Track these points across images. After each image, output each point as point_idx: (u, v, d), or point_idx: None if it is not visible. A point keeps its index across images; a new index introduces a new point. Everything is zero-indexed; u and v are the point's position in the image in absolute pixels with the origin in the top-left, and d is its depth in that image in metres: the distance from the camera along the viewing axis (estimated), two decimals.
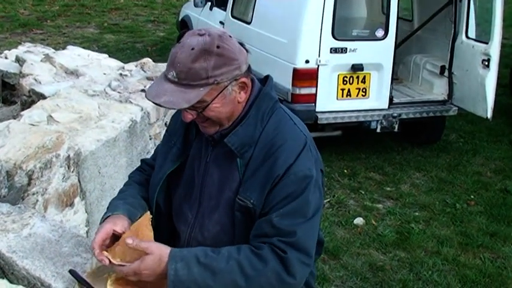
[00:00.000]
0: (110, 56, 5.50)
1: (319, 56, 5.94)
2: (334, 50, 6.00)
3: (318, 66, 5.97)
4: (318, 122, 6.07)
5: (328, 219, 5.31)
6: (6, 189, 2.85)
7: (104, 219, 2.05)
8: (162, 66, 4.82)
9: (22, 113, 3.69)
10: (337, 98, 6.19)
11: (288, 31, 6.17)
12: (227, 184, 1.95)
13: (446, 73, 6.75)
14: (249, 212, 1.90)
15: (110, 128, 3.72)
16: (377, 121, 6.34)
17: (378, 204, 5.77)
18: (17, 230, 2.42)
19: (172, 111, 3.88)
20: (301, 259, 1.87)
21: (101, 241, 1.95)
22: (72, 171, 3.32)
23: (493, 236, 5.24)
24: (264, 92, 1.96)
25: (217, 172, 1.98)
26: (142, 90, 4.30)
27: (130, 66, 4.96)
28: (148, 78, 4.63)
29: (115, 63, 5.15)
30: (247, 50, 1.90)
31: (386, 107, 6.40)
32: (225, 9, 7.65)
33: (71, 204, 3.37)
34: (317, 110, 6.06)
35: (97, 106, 3.95)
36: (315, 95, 6.04)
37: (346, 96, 6.22)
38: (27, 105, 4.27)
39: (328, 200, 5.66)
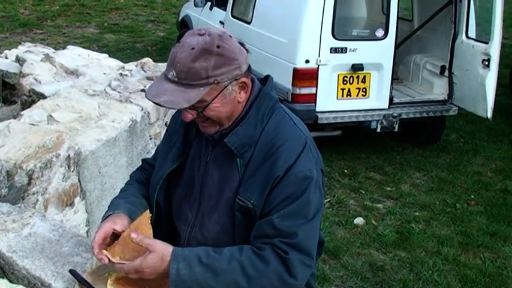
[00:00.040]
0: (110, 56, 5.50)
1: (319, 55, 5.94)
2: (334, 50, 6.00)
3: (318, 66, 5.97)
4: (318, 121, 6.07)
5: (328, 219, 5.31)
6: (6, 189, 2.85)
7: (104, 218, 2.05)
8: (162, 66, 4.82)
9: (22, 112, 3.69)
10: (337, 98, 6.19)
11: (288, 31, 6.17)
12: (227, 184, 1.95)
13: (446, 73, 6.74)
14: (249, 212, 1.90)
15: (110, 127, 3.72)
16: (377, 121, 6.34)
17: (378, 204, 5.77)
18: (17, 230, 2.42)
19: (173, 111, 3.88)
20: (303, 260, 1.87)
21: (101, 240, 1.95)
22: (73, 171, 3.32)
23: (493, 236, 5.24)
24: (264, 92, 1.96)
25: (217, 172, 1.98)
26: (143, 90, 4.30)
27: (131, 66, 4.97)
28: (148, 78, 4.63)
29: (115, 63, 5.15)
30: (247, 50, 1.90)
31: (387, 106, 6.40)
32: (225, 9, 7.65)
33: (71, 204, 3.37)
34: (317, 109, 6.06)
35: (97, 106, 3.95)
36: (315, 94, 6.04)
37: (346, 96, 6.22)
38: (27, 105, 4.27)
39: (329, 199, 5.66)
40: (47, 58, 4.94)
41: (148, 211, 2.02)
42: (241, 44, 1.89)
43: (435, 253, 4.94)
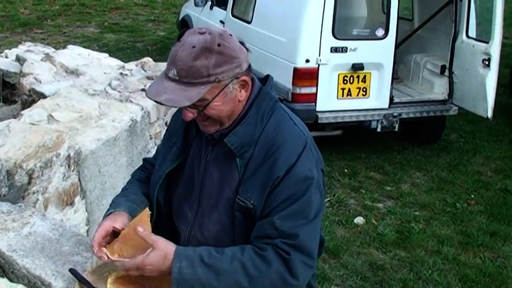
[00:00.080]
0: (110, 56, 5.50)
1: (319, 55, 5.94)
2: (334, 50, 6.00)
3: (318, 65, 5.96)
4: (318, 121, 6.06)
5: (328, 218, 5.31)
6: (6, 188, 2.85)
7: (105, 217, 2.05)
8: (163, 66, 4.82)
9: (22, 112, 3.70)
10: (337, 98, 6.19)
11: (288, 30, 6.17)
12: (227, 184, 1.95)
13: (446, 72, 6.74)
14: (249, 212, 1.90)
15: (110, 127, 3.72)
16: (377, 120, 6.34)
17: (378, 204, 5.77)
18: (17, 229, 2.42)
19: (173, 111, 3.88)
20: (304, 261, 1.87)
21: (100, 238, 1.95)
22: (73, 171, 3.32)
23: (493, 236, 5.24)
24: (264, 92, 1.96)
25: (217, 171, 1.98)
26: (143, 90, 4.30)
27: (131, 65, 4.97)
28: (148, 78, 4.63)
29: (115, 62, 5.16)
30: (247, 49, 1.90)
31: (387, 106, 6.40)
32: (225, 9, 7.65)
33: (71, 203, 3.37)
34: (317, 109, 6.06)
35: (97, 105, 3.95)
36: (315, 94, 6.04)
37: (347, 95, 6.22)
38: (27, 104, 4.28)
39: (329, 199, 5.66)
40: (47, 57, 4.94)
41: (147, 209, 2.02)
42: (242, 43, 1.89)
43: (435, 252, 4.94)
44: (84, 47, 6.11)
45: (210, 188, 1.99)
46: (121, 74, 4.69)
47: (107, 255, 1.91)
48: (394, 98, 6.47)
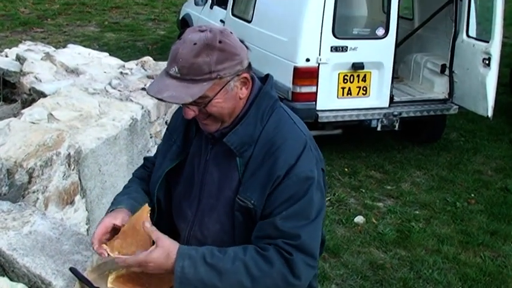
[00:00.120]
0: (110, 55, 5.50)
1: (319, 54, 5.94)
2: (334, 49, 6.00)
3: (319, 64, 5.97)
4: (319, 120, 6.07)
5: (328, 217, 5.31)
6: (6, 187, 2.85)
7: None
8: (163, 65, 4.82)
9: (23, 111, 3.70)
10: (337, 97, 6.19)
11: (288, 29, 6.17)
12: (227, 183, 1.95)
13: (447, 72, 6.74)
14: (249, 212, 1.90)
15: (111, 126, 3.72)
16: (377, 120, 6.34)
17: (378, 203, 5.78)
18: (18, 228, 2.42)
19: (173, 110, 3.87)
20: (306, 261, 1.87)
21: (100, 235, 1.96)
22: (73, 169, 3.32)
23: (493, 235, 5.24)
24: (263, 91, 1.96)
25: (217, 171, 1.98)
26: (143, 89, 4.30)
27: (131, 64, 4.97)
28: (148, 77, 4.63)
29: (115, 61, 5.16)
30: (247, 47, 1.90)
31: (387, 105, 6.40)
32: (225, 8, 7.65)
33: (72, 202, 3.37)
34: (317, 108, 6.06)
35: (97, 104, 3.95)
36: (316, 93, 6.04)
37: (347, 94, 6.22)
38: (27, 103, 4.28)
39: (329, 198, 5.66)
40: (48, 57, 4.94)
41: (147, 205, 2.01)
42: (241, 41, 1.89)
43: (435, 252, 4.94)
44: (84, 46, 6.11)
45: (209, 187, 1.99)
46: (121, 73, 4.69)
47: (107, 252, 1.91)
48: (394, 97, 6.47)
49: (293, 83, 5.99)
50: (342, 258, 4.76)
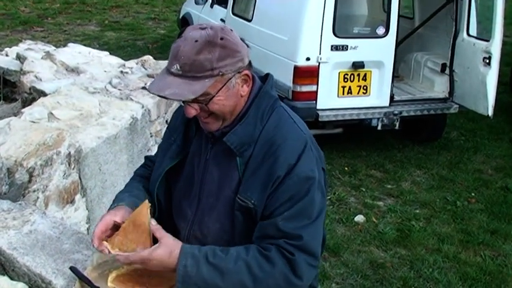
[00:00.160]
0: (110, 54, 5.50)
1: (320, 53, 5.94)
2: (335, 48, 5.99)
3: (319, 63, 5.96)
4: (319, 119, 6.07)
5: (328, 216, 5.31)
6: (7, 186, 2.85)
7: None
8: (163, 64, 4.82)
9: (23, 110, 3.70)
10: (338, 96, 6.18)
11: (288, 28, 6.17)
12: (226, 182, 1.94)
13: (447, 71, 6.74)
14: (249, 212, 1.90)
15: (111, 125, 3.72)
16: (378, 119, 6.34)
17: (378, 202, 5.78)
18: (18, 227, 2.43)
19: (173, 109, 3.87)
20: (308, 261, 1.87)
21: (100, 232, 1.95)
22: (73, 168, 3.32)
23: (493, 234, 5.24)
24: (263, 91, 1.95)
25: (217, 170, 1.97)
26: (143, 88, 4.30)
27: (131, 63, 4.97)
28: (149, 76, 4.63)
29: (116, 60, 5.16)
30: (247, 45, 1.90)
31: (387, 104, 6.40)
32: (225, 7, 7.65)
33: (72, 201, 3.37)
34: (318, 107, 6.06)
35: (98, 103, 3.95)
36: (316, 92, 6.04)
37: (347, 93, 6.21)
38: (27, 102, 4.28)
39: (329, 197, 5.66)
40: (48, 56, 4.94)
41: (147, 201, 2.01)
42: (242, 39, 1.89)
43: (435, 251, 4.94)
44: (84, 45, 6.12)
45: (209, 186, 1.99)
46: (121, 72, 4.69)
47: (108, 249, 1.91)
48: (394, 96, 6.47)
49: (293, 82, 5.99)
50: (342, 257, 4.76)
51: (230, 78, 1.83)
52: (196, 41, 1.77)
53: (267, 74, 2.02)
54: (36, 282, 2.16)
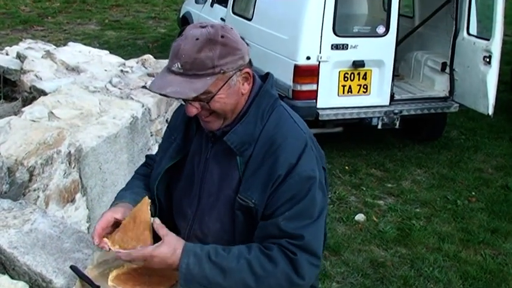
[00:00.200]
0: (110, 53, 5.51)
1: (320, 52, 5.94)
2: (335, 47, 5.99)
3: (319, 62, 5.96)
4: (319, 118, 6.06)
5: (329, 215, 5.30)
6: (7, 185, 2.85)
7: None
8: (163, 63, 4.82)
9: (23, 109, 3.70)
10: (338, 95, 6.18)
11: (289, 27, 6.16)
12: (227, 182, 1.94)
13: (447, 70, 6.74)
14: (250, 211, 1.90)
15: (111, 124, 3.72)
16: (378, 118, 6.34)
17: (379, 201, 5.78)
18: (18, 226, 2.43)
19: (174, 108, 3.87)
20: (310, 260, 1.87)
21: (100, 230, 1.95)
22: (73, 168, 3.33)
23: (494, 233, 5.24)
24: (263, 90, 1.95)
25: (217, 169, 1.97)
26: (144, 87, 4.30)
27: (131, 62, 4.97)
28: (149, 75, 4.63)
29: (116, 59, 5.16)
30: (247, 44, 1.90)
31: (388, 103, 6.40)
32: (226, 6, 7.65)
33: (72, 200, 3.37)
34: (318, 106, 6.06)
35: (98, 102, 3.95)
36: (316, 91, 6.04)
37: (347, 92, 6.21)
38: (28, 101, 4.28)
39: (329, 196, 5.66)
40: (48, 55, 4.94)
41: (147, 197, 2.01)
42: (241, 38, 1.88)
43: (436, 250, 4.94)
44: (84, 44, 6.12)
45: (209, 185, 1.99)
46: (122, 71, 4.69)
47: (108, 246, 1.91)
48: (394, 95, 6.47)
49: (293, 81, 5.99)
50: (343, 256, 4.76)
51: (231, 76, 1.83)
52: (197, 39, 1.77)
53: (267, 73, 2.02)
54: (36, 281, 2.16)
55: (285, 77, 6.00)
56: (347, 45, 6.03)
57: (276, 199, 1.86)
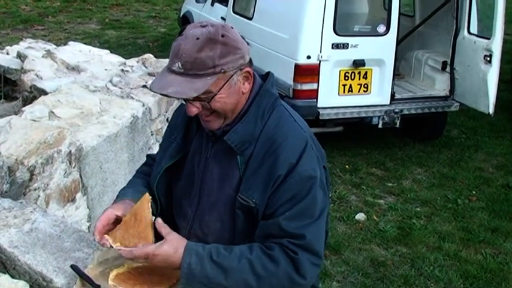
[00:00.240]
0: (111, 52, 5.50)
1: (320, 51, 5.94)
2: (335, 46, 5.99)
3: (320, 61, 5.96)
4: (320, 117, 6.06)
5: (329, 214, 5.29)
6: (8, 185, 2.85)
7: None
8: (164, 62, 4.82)
9: (23, 108, 3.70)
10: (338, 94, 6.18)
11: (289, 27, 6.16)
12: (227, 181, 1.94)
13: (448, 69, 6.74)
14: (250, 210, 1.90)
15: (112, 123, 3.73)
16: (379, 117, 6.34)
17: (379, 200, 5.77)
18: (19, 225, 2.43)
19: (174, 107, 3.87)
20: (312, 260, 1.87)
21: (101, 227, 1.95)
22: (74, 167, 3.33)
23: (494, 232, 5.24)
24: (264, 89, 1.95)
25: (217, 168, 1.97)
26: (144, 86, 4.31)
27: (132, 62, 4.97)
28: (149, 74, 4.63)
29: (116, 59, 5.16)
30: (247, 43, 1.90)
31: (388, 102, 6.40)
32: (226, 5, 7.65)
33: (73, 200, 3.38)
34: (319, 105, 6.06)
35: (98, 102, 3.96)
36: (317, 90, 6.04)
37: (348, 92, 6.21)
38: (28, 101, 4.28)
39: (330, 195, 5.64)
40: (48, 54, 4.94)
41: (147, 194, 2.00)
42: (242, 37, 1.88)
43: (436, 249, 4.94)
44: (85, 43, 6.12)
45: (210, 184, 1.98)
46: (122, 70, 4.69)
47: (109, 243, 1.91)
48: (395, 94, 6.47)
49: (294, 80, 5.99)
50: (343, 255, 4.76)
51: (232, 76, 1.83)
52: (197, 38, 1.77)
53: (268, 73, 2.02)
54: (37, 280, 2.16)
55: (286, 76, 5.99)
56: (347, 44, 6.03)
57: (276, 199, 1.86)
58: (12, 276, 2.20)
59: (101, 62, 4.94)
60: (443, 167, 6.54)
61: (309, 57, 5.94)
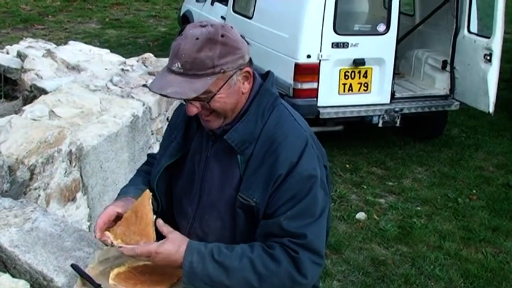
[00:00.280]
0: (111, 51, 5.50)
1: (320, 50, 5.94)
2: (335, 45, 5.99)
3: (320, 61, 5.96)
4: (320, 116, 6.06)
5: (330, 213, 5.30)
6: (8, 184, 2.86)
7: None
8: (164, 61, 4.82)
9: (24, 108, 3.70)
10: (338, 93, 6.18)
11: (289, 26, 6.16)
12: (227, 180, 1.94)
13: (448, 68, 6.73)
14: (251, 210, 1.90)
15: (112, 123, 3.73)
16: (379, 116, 6.34)
17: (380, 199, 5.77)
18: (19, 225, 2.43)
19: (174, 106, 3.88)
20: (313, 259, 1.87)
21: (103, 223, 1.95)
22: (74, 166, 3.33)
23: (495, 231, 5.24)
24: (264, 88, 1.95)
25: (218, 167, 1.97)
26: (144, 85, 4.31)
27: (132, 61, 4.97)
28: (150, 73, 4.64)
29: (116, 58, 5.16)
30: (247, 43, 1.90)
31: (388, 101, 6.39)
32: (226, 4, 7.64)
33: (73, 199, 3.38)
34: (319, 104, 6.06)
35: (99, 101, 3.96)
36: (317, 89, 6.04)
37: (348, 91, 6.21)
38: (29, 100, 4.28)
39: (331, 194, 5.65)
40: (49, 53, 4.94)
41: (148, 191, 2.00)
42: (242, 36, 1.88)
43: (437, 248, 4.94)
44: (85, 43, 6.12)
45: (210, 184, 1.98)
46: (122, 69, 4.69)
47: (110, 240, 1.91)
48: (395, 93, 6.46)
49: (294, 80, 5.98)
50: (344, 254, 4.76)
51: (231, 76, 1.83)
52: (197, 38, 1.77)
53: (268, 72, 2.02)
54: (37, 279, 2.17)
55: (286, 75, 5.99)
56: (347, 43, 6.03)
57: (277, 198, 1.86)
58: (13, 276, 2.20)
59: (101, 61, 4.94)
60: (443, 166, 6.54)
61: (309, 56, 5.93)
